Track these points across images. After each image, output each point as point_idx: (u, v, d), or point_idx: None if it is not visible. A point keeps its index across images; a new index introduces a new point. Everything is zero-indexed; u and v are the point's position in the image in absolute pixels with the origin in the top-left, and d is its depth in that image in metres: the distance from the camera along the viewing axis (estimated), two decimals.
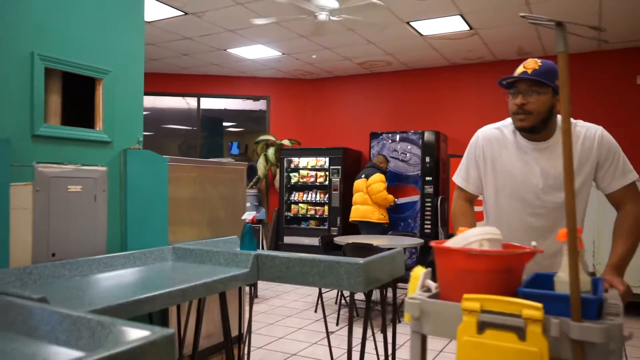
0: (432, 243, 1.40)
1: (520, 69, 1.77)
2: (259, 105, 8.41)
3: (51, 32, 2.21)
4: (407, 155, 6.65)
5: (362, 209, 5.84)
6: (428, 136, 6.56)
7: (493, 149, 1.91)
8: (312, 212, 7.35)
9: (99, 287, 2.02)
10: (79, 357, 1.08)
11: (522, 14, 1.27)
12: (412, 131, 6.69)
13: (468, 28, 5.38)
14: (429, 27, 5.36)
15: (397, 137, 6.75)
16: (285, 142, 7.67)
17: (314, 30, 5.30)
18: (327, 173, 7.17)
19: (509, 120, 1.91)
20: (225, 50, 6.41)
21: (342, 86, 7.88)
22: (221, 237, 3.13)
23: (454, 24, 5.26)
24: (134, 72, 2.62)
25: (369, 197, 5.79)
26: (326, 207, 7.21)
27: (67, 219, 2.26)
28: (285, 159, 7.46)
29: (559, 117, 1.82)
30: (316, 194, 7.37)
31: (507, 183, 1.87)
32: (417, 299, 1.31)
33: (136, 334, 1.18)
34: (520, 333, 1.12)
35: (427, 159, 6.55)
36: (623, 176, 1.79)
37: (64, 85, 2.35)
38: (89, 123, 2.43)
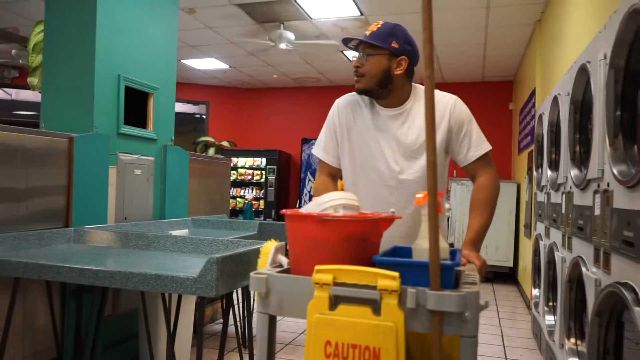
0: (284, 210, 1.25)
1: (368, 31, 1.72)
2: (198, 109, 9.24)
3: (129, 60, 3.12)
4: None
5: None
6: None
7: (349, 116, 1.80)
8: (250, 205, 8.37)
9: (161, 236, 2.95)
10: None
11: None
12: None
13: None
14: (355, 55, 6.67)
15: None
16: (225, 143, 8.60)
17: (265, 51, 6.38)
18: (264, 172, 8.24)
19: None
20: (180, 60, 7.25)
21: (276, 96, 8.99)
22: (214, 214, 4.11)
23: None
24: (170, 88, 3.56)
25: None
26: (262, 202, 8.27)
27: (133, 194, 3.17)
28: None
29: (415, 85, 1.78)
30: (252, 190, 8.40)
31: (361, 152, 1.76)
32: (264, 274, 1.14)
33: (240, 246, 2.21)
34: (376, 306, 1.02)
35: None
36: (477, 146, 1.74)
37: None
38: (143, 124, 3.34)
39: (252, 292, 1.74)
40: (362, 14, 5.07)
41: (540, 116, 3.85)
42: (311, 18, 5.25)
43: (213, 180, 4.29)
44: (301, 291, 1.10)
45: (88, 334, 2.61)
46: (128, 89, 3.12)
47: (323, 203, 1.21)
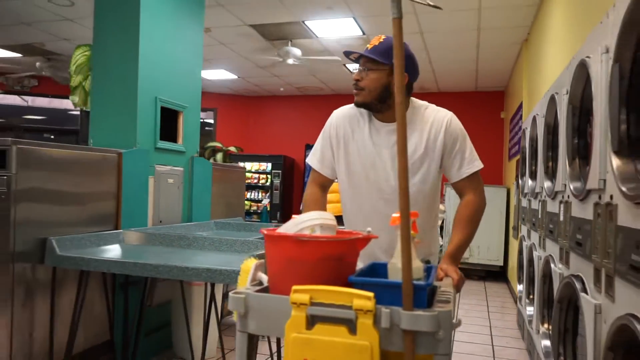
0: (262, 230, 1.26)
1: (365, 45, 1.73)
2: (207, 115, 9.69)
3: (163, 83, 3.58)
4: None
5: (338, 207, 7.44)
6: None
7: (346, 128, 1.80)
8: (255, 208, 8.84)
9: (192, 234, 3.40)
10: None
11: None
12: None
13: None
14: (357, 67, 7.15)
15: None
16: (232, 148, 9.05)
17: (272, 64, 6.85)
18: (269, 176, 8.71)
19: None
20: None
21: (280, 104, 9.45)
22: (232, 217, 4.57)
23: None
24: (195, 106, 4.02)
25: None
26: (268, 204, 8.74)
27: (166, 200, 3.62)
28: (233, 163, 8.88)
29: (413, 99, 1.81)
30: (258, 193, 8.87)
31: (359, 165, 1.78)
32: (242, 293, 1.16)
33: None
34: (351, 326, 1.05)
35: None
36: (469, 164, 1.77)
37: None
38: (174, 139, 3.79)
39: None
40: (364, 33, 5.54)
41: (524, 130, 4.32)
42: (317, 37, 5.71)
43: (230, 185, 4.75)
44: (279, 310, 1.12)
45: (133, 321, 3.08)
46: (163, 109, 3.58)
47: (300, 223, 1.22)
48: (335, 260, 1.18)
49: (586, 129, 2.12)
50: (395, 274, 1.16)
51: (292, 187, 9.16)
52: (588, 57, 1.87)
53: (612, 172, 1.50)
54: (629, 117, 1.45)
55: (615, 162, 1.46)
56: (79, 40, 6.10)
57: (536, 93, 4.49)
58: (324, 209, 1.86)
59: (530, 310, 3.70)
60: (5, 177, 2.39)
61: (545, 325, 3.07)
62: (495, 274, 7.10)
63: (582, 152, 2.18)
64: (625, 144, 1.45)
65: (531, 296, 3.75)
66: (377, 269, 1.32)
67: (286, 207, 8.48)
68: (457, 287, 1.50)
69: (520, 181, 4.65)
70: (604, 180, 1.61)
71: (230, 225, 4.05)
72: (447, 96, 8.62)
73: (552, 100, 2.77)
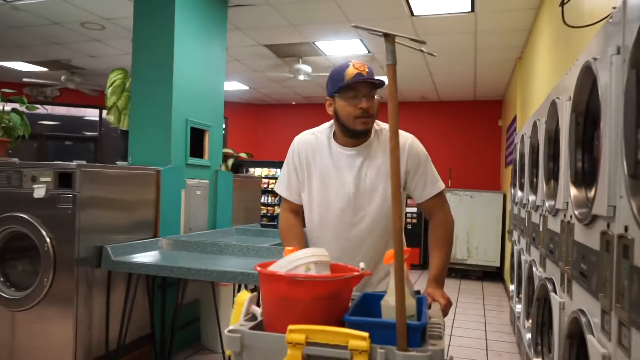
0: (256, 267, 1.27)
1: (353, 71, 1.68)
2: None
3: (193, 106, 4.03)
4: None
5: None
6: None
7: (308, 155, 1.84)
8: (264, 211, 9.29)
9: (223, 242, 3.84)
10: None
11: (354, 24, 1.29)
12: None
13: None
14: None
15: None
16: (242, 154, 9.52)
17: (285, 79, 7.31)
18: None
19: (324, 126, 1.89)
20: None
21: (287, 111, 9.90)
22: (250, 224, 5.02)
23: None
24: (219, 124, 4.47)
25: None
26: (276, 208, 9.19)
27: (195, 210, 4.07)
28: (244, 168, 9.34)
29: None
30: (268, 197, 9.32)
31: (321, 190, 1.81)
32: (238, 332, 1.17)
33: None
34: None
35: None
36: (433, 185, 1.81)
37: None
38: (200, 155, 4.24)
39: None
40: (369, 52, 5.98)
41: (516, 145, 4.76)
42: (325, 54, 6.16)
43: (248, 193, 5.20)
44: (275, 349, 1.12)
45: (171, 317, 3.53)
46: (192, 129, 4.03)
47: (294, 260, 1.23)
48: (330, 298, 1.19)
49: (592, 140, 1.89)
50: (389, 312, 1.17)
51: None
52: (595, 58, 1.60)
53: (626, 197, 1.23)
54: None
55: (631, 186, 1.21)
56: (104, 57, 6.57)
57: (528, 107, 4.93)
58: (301, 233, 1.88)
59: (519, 307, 4.15)
60: (71, 195, 2.85)
61: (530, 321, 3.52)
62: (492, 275, 7.53)
63: (588, 166, 1.95)
64: None
65: (520, 295, 4.20)
66: (370, 301, 1.34)
67: None
68: (444, 312, 1.53)
69: (512, 190, 5.10)
70: (614, 207, 1.37)
71: (249, 232, 4.50)
72: (447, 105, 9.06)
73: (553, 106, 2.48)
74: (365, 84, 1.68)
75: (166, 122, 3.77)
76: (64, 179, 2.87)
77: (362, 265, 1.32)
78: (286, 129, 9.92)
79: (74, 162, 2.89)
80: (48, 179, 2.89)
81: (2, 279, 3.02)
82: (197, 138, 4.18)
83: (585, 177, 1.92)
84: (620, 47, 1.35)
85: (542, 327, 2.82)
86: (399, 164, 1.18)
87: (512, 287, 4.89)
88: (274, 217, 9.22)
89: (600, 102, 1.48)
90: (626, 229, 1.25)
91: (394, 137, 1.17)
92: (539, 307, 2.80)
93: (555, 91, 2.45)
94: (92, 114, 9.55)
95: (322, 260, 1.26)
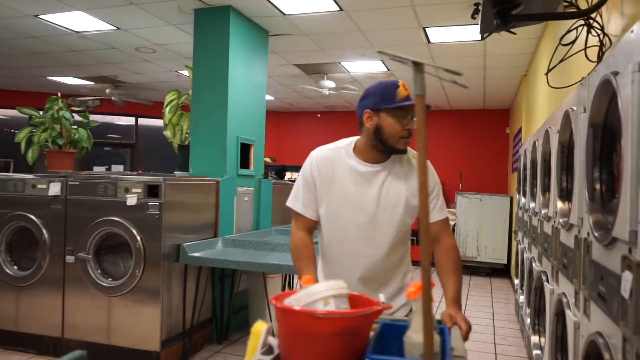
0: (272, 300, 1.24)
1: (404, 92, 1.72)
2: None
3: (242, 124, 4.72)
4: None
5: None
6: None
7: (327, 170, 1.82)
8: None
9: (273, 240, 4.52)
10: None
11: (379, 50, 1.24)
12: None
13: None
14: None
15: None
16: (267, 159, 10.21)
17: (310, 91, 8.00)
18: None
19: (343, 142, 1.89)
20: None
21: (308, 119, 10.58)
22: (286, 224, 5.69)
23: None
24: (261, 138, 5.16)
25: None
26: None
27: (243, 214, 4.76)
28: (269, 172, 10.08)
29: None
30: None
31: (341, 206, 1.81)
32: None
33: None
34: None
35: None
36: (442, 209, 1.86)
37: None
38: (247, 166, 4.92)
39: None
40: (388, 69, 6.65)
41: (525, 151, 5.41)
42: (349, 72, 6.84)
43: (284, 197, 5.87)
44: None
45: (226, 304, 4.23)
46: (241, 144, 4.73)
47: (313, 294, 1.21)
48: (350, 334, 1.16)
49: (610, 155, 1.88)
50: (412, 349, 1.15)
51: None
52: (615, 72, 1.58)
53: None
54: None
55: None
56: (149, 73, 7.28)
57: (532, 122, 5.58)
58: (313, 255, 1.85)
59: (522, 298, 4.80)
60: (158, 203, 3.54)
61: (530, 308, 4.17)
62: (500, 271, 8.17)
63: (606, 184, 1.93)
64: None
65: (523, 287, 4.85)
66: (387, 332, 1.32)
67: None
68: (466, 337, 1.53)
69: (517, 195, 5.74)
70: (635, 232, 1.35)
71: (286, 232, 5.17)
72: (458, 113, 9.69)
73: (567, 117, 2.49)
74: (411, 106, 1.73)
75: (222, 139, 4.47)
76: (152, 190, 3.56)
77: (382, 298, 1.29)
78: (307, 135, 10.60)
79: (160, 177, 3.59)
80: (139, 190, 3.58)
81: (99, 271, 3.73)
82: (244, 151, 4.87)
83: (603, 196, 1.92)
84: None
85: (539, 312, 3.47)
86: (427, 200, 1.14)
87: (517, 281, 5.53)
88: None
89: (621, 119, 1.46)
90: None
91: (423, 172, 1.12)
92: (535, 295, 3.46)
93: (567, 102, 2.51)
94: (124, 121, 10.28)
95: (340, 293, 1.23)
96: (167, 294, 3.62)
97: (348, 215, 1.82)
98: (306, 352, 1.15)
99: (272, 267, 3.50)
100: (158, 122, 9.95)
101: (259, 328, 1.31)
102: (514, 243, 7.49)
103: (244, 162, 4.86)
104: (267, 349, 1.28)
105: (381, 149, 1.79)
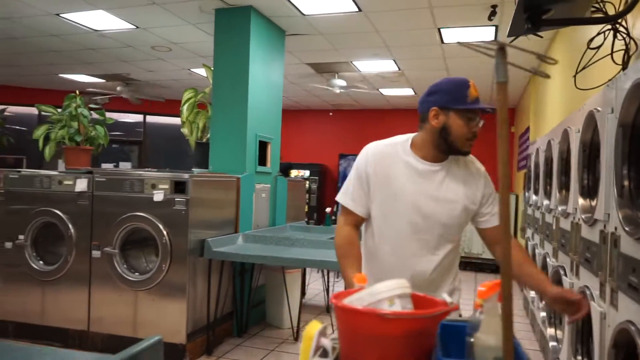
0: (333, 299, 1.20)
1: (475, 94, 1.70)
2: None
3: (260, 122, 4.80)
4: None
5: None
6: None
7: (384, 166, 1.77)
8: None
9: (293, 236, 4.60)
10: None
11: (459, 42, 1.21)
12: None
13: (412, 93, 8.46)
14: (389, 92, 8.37)
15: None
16: None
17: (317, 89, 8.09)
18: (308, 182, 9.96)
19: (399, 138, 1.84)
20: None
21: (315, 117, 10.68)
22: (298, 221, 5.79)
23: (405, 92, 8.31)
24: (277, 137, 5.25)
25: None
26: (306, 206, 10.01)
27: (261, 210, 4.85)
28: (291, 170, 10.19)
29: None
30: None
31: (396, 204, 1.76)
32: None
33: None
34: None
35: None
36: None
37: None
38: (264, 163, 5.01)
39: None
40: (399, 69, 6.74)
41: (537, 149, 5.52)
42: (359, 71, 6.93)
43: (295, 194, 5.97)
44: None
45: (247, 298, 4.32)
46: (259, 142, 4.82)
47: (377, 293, 1.16)
48: (419, 336, 1.13)
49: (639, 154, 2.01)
50: (484, 352, 1.09)
51: (325, 192, 10.41)
52: None
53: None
54: None
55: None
56: (162, 71, 7.36)
57: (540, 121, 5.68)
58: (359, 254, 1.83)
59: (532, 293, 4.91)
60: (184, 200, 3.63)
61: (544, 302, 4.28)
62: None
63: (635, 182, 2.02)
64: None
65: None
66: (447, 330, 1.26)
67: (322, 209, 9.77)
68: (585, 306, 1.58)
69: (526, 193, 5.85)
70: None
71: (300, 228, 5.27)
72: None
73: (591, 118, 2.58)
74: (481, 109, 1.71)
75: (242, 137, 4.56)
76: (179, 186, 3.65)
77: (447, 298, 1.25)
78: (313, 133, 10.69)
79: (186, 173, 3.68)
80: (166, 186, 3.67)
81: (125, 266, 3.82)
82: (262, 149, 4.96)
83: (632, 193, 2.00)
84: None
85: None
86: (508, 196, 1.06)
87: None
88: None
89: None
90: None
91: (504, 163, 1.03)
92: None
93: (591, 103, 2.59)
94: (130, 119, 10.35)
95: (405, 293, 1.20)
96: (192, 288, 3.71)
97: (403, 213, 1.76)
98: (372, 354, 1.11)
99: (297, 262, 3.60)
100: (166, 120, 10.03)
101: (311, 332, 1.25)
102: (519, 240, 7.60)
103: (262, 160, 4.94)
104: (322, 352, 1.23)
105: (444, 149, 1.75)
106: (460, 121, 1.69)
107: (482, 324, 1.11)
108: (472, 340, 1.12)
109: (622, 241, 2.01)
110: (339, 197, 1.87)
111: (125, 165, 8.88)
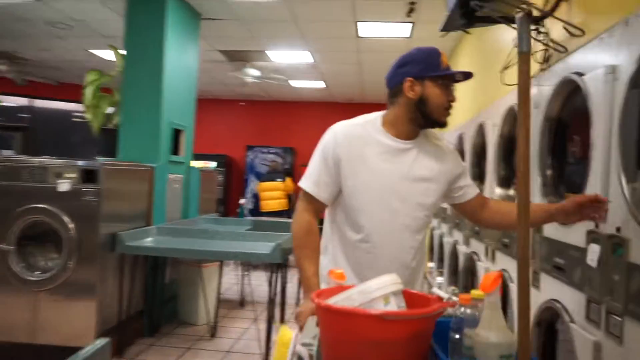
0: (315, 299, 1.07)
1: (446, 60, 1.62)
2: None
3: (173, 110, 4.55)
4: (274, 162, 9.53)
5: (283, 202, 8.27)
6: (287, 150, 9.63)
7: (356, 148, 1.61)
8: None
9: (212, 228, 4.41)
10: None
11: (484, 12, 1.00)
12: (277, 146, 9.70)
13: (324, 86, 8.53)
14: (300, 84, 8.37)
15: (267, 149, 9.67)
16: None
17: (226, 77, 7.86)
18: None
19: (368, 117, 1.69)
20: None
21: (222, 107, 10.35)
22: (210, 213, 5.59)
23: (317, 84, 8.36)
24: (190, 124, 5.01)
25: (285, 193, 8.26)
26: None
27: (174, 201, 4.61)
28: None
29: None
30: None
31: (372, 189, 1.60)
32: None
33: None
34: None
35: (287, 166, 9.58)
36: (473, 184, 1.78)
37: None
38: (176, 152, 4.75)
39: None
40: (315, 61, 6.75)
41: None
42: (272, 61, 6.84)
43: (206, 185, 5.74)
44: None
45: (158, 294, 4.09)
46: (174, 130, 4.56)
47: (370, 292, 1.05)
48: (420, 336, 1.02)
49: (561, 146, 2.15)
50: (487, 349, 0.98)
51: (232, 184, 10.19)
52: (579, 73, 1.78)
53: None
54: None
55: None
56: (56, 50, 6.69)
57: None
58: (318, 244, 1.69)
59: (440, 279, 5.17)
60: (95, 190, 3.33)
61: (453, 287, 4.53)
62: None
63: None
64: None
65: (441, 269, 5.24)
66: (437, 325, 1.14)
67: (228, 201, 9.57)
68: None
69: None
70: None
71: (213, 220, 5.08)
72: (374, 107, 10.04)
73: (511, 112, 2.78)
74: (455, 77, 1.64)
75: (155, 125, 4.28)
76: (89, 175, 3.33)
77: (442, 294, 1.13)
78: (220, 124, 10.38)
79: (97, 161, 3.37)
80: (73, 175, 3.33)
81: (23, 264, 3.41)
82: (175, 138, 4.70)
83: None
84: (616, 67, 1.56)
85: (470, 289, 3.79)
86: (529, 168, 0.95)
87: (431, 265, 5.94)
88: None
89: (592, 113, 1.67)
90: None
91: (525, 138, 0.93)
92: (466, 274, 3.78)
93: (510, 99, 2.72)
94: (15, 102, 9.32)
95: (399, 289, 1.09)
96: (102, 286, 3.42)
97: (380, 198, 1.62)
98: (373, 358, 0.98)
99: (219, 255, 3.46)
100: (58, 105, 9.17)
101: (285, 337, 1.16)
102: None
103: (175, 149, 4.69)
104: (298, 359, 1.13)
105: (420, 122, 1.63)
106: (437, 90, 1.59)
107: (483, 319, 1.00)
108: (462, 337, 1.04)
109: (545, 226, 2.10)
110: (301, 182, 1.70)
111: (7, 154, 7.98)
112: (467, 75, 1.65)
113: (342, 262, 1.68)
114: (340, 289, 1.15)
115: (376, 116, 1.71)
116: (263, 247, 3.46)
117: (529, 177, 0.97)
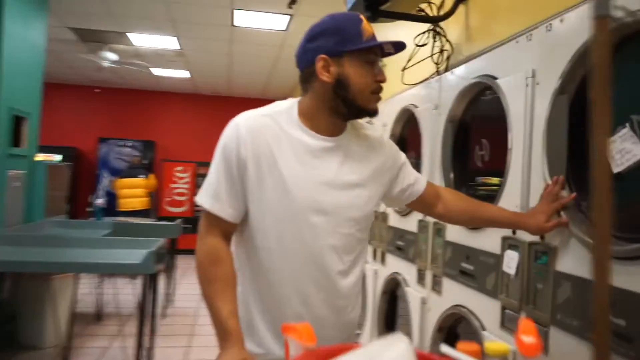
0: None
1: (370, 29, 1.23)
2: None
3: (14, 94, 3.79)
4: (131, 157, 8.70)
5: (145, 200, 7.51)
6: (146, 144, 8.86)
7: (265, 146, 1.24)
8: None
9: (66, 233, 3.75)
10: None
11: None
12: (135, 139, 8.86)
13: (188, 76, 7.99)
14: (162, 72, 7.72)
15: (123, 143, 8.78)
16: None
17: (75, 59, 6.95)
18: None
19: (280, 105, 1.31)
20: None
21: (70, 94, 9.16)
22: (57, 215, 4.84)
23: (181, 74, 7.79)
24: (36, 111, 4.26)
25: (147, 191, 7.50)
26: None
27: (12, 202, 3.85)
28: None
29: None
30: None
31: (287, 200, 1.23)
32: None
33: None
34: None
35: (146, 161, 8.81)
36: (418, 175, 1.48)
37: None
38: (17, 143, 3.99)
39: None
40: (181, 48, 6.24)
41: None
42: (134, 45, 6.17)
43: (53, 183, 4.96)
44: None
45: None
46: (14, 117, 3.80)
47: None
48: None
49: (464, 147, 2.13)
50: None
51: (81, 180, 9.08)
52: (492, 77, 1.79)
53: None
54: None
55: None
56: None
57: None
58: (230, 271, 1.26)
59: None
60: None
61: None
62: None
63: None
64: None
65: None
66: None
67: (76, 200, 8.46)
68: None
69: None
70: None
71: (62, 224, 4.38)
72: (241, 101, 9.71)
73: (405, 112, 2.73)
74: (383, 50, 1.26)
75: None
76: None
77: (445, 349, 0.86)
78: (68, 112, 9.20)
79: None
80: None
81: None
82: (16, 126, 3.94)
83: None
84: (536, 71, 1.57)
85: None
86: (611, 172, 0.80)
87: None
88: None
89: (509, 115, 1.66)
90: None
91: (604, 125, 0.77)
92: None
93: (405, 99, 2.72)
94: None
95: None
96: None
97: (297, 213, 1.24)
98: None
99: (76, 267, 2.92)
100: None
101: None
102: None
103: (15, 140, 3.93)
104: None
105: (343, 112, 1.27)
106: (359, 68, 1.22)
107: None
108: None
109: (447, 230, 2.13)
110: (198, 198, 1.29)
111: None
112: (398, 46, 1.27)
113: (254, 304, 1.31)
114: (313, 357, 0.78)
115: (291, 104, 1.32)
116: (130, 255, 2.98)
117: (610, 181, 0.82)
